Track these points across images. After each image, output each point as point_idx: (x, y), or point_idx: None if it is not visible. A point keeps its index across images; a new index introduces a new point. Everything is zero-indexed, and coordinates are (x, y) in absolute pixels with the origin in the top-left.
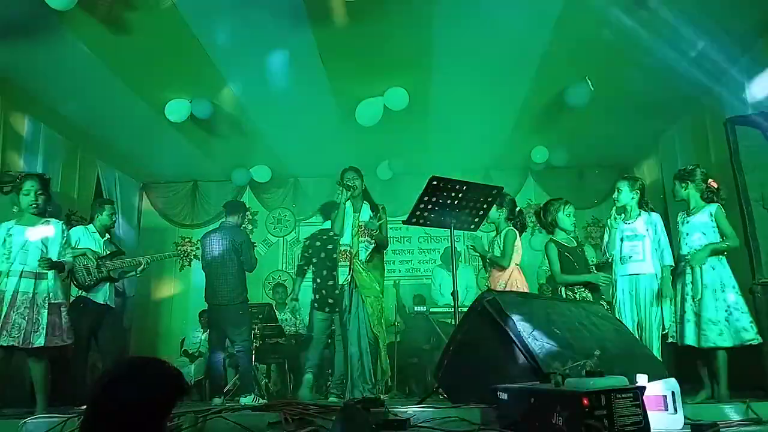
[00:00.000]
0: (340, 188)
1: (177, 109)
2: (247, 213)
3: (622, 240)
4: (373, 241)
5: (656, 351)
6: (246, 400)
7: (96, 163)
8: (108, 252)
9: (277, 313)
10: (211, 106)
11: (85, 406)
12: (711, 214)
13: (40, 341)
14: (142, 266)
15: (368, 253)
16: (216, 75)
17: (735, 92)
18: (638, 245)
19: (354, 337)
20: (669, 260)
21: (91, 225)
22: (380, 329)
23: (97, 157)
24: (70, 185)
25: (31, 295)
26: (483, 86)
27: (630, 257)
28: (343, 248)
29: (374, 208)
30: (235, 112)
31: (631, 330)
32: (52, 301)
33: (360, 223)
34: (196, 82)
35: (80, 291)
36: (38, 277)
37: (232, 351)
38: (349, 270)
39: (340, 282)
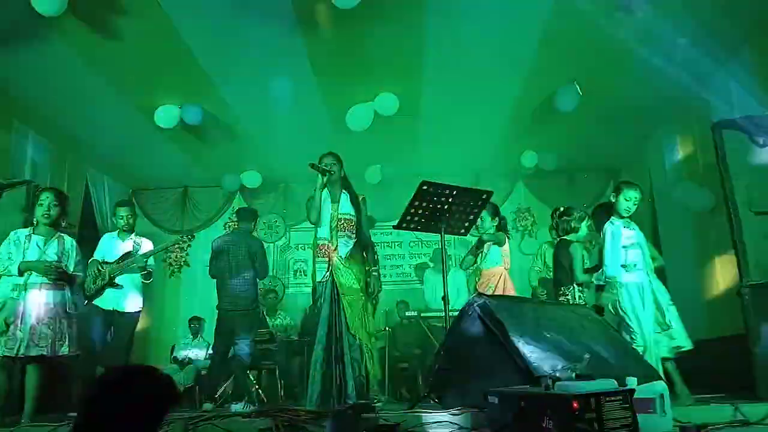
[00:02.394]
0: (317, 173)
1: (167, 115)
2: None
3: (625, 247)
4: (354, 236)
5: (666, 354)
6: (237, 407)
7: (85, 169)
8: (120, 256)
9: (268, 320)
10: (200, 112)
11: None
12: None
13: (64, 350)
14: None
15: (348, 249)
16: (206, 80)
17: (722, 96)
18: (639, 252)
19: (331, 340)
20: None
21: (114, 232)
22: (362, 332)
23: (86, 163)
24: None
25: (52, 306)
26: (473, 91)
27: (635, 265)
28: (320, 242)
29: (354, 198)
30: (225, 117)
31: (641, 335)
32: (71, 312)
33: (340, 217)
34: (186, 87)
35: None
36: (57, 287)
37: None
38: (328, 267)
39: (318, 279)
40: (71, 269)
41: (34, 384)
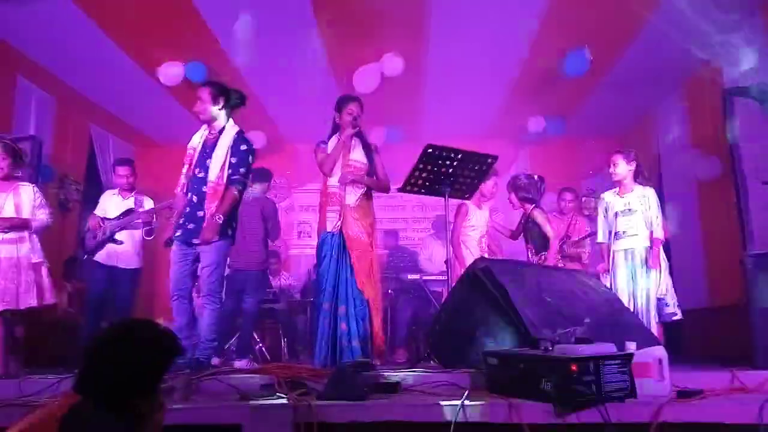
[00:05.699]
0: (341, 120)
1: (170, 72)
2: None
3: (616, 215)
4: (364, 188)
5: (652, 323)
6: (241, 364)
7: (88, 125)
8: (121, 213)
9: (271, 279)
10: (205, 70)
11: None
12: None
13: (31, 301)
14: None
15: (357, 197)
16: (210, 38)
17: (734, 63)
18: (632, 220)
19: (338, 296)
20: (659, 233)
21: (115, 189)
22: (370, 287)
23: (89, 119)
24: (63, 148)
25: (14, 258)
26: (479, 54)
27: (624, 232)
28: (330, 190)
29: (367, 146)
30: (230, 76)
31: (625, 302)
32: (34, 261)
33: (350, 163)
34: (190, 44)
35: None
36: (19, 241)
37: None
38: (339, 215)
39: (328, 229)
40: (28, 215)
41: (17, 337)
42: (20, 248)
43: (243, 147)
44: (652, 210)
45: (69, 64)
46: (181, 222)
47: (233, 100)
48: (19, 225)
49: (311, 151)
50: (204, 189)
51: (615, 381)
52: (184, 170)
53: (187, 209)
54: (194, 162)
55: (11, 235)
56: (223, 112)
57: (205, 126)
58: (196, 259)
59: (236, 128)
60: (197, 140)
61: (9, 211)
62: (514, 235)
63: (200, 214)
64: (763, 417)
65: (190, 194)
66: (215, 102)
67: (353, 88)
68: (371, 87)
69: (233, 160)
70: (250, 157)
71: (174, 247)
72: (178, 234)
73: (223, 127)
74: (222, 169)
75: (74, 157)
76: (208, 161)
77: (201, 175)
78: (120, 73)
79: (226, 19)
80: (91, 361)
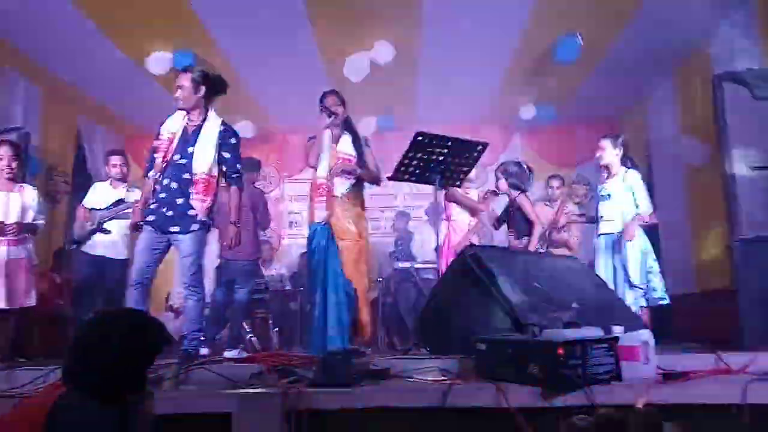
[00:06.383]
0: (320, 113)
1: (159, 61)
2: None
3: (597, 201)
4: (353, 179)
5: (629, 301)
6: (232, 354)
7: (76, 117)
8: (112, 203)
9: (263, 269)
10: (193, 59)
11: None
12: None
13: (30, 302)
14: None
15: (346, 189)
16: (199, 26)
17: (725, 48)
18: (609, 205)
19: (327, 285)
20: (645, 209)
21: (107, 181)
22: (357, 275)
23: (77, 110)
24: (50, 140)
25: (16, 259)
26: (470, 41)
27: (602, 217)
28: (319, 182)
29: (356, 138)
30: (219, 65)
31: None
32: (34, 263)
33: (339, 156)
34: (179, 33)
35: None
36: (18, 242)
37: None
38: (327, 207)
39: (316, 221)
40: (31, 218)
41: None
42: (25, 250)
43: (233, 140)
44: (637, 191)
45: (56, 55)
46: (153, 207)
47: (215, 87)
48: (31, 229)
49: (301, 140)
50: (185, 176)
51: (601, 364)
52: (159, 155)
53: (163, 195)
54: (173, 148)
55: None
56: (203, 100)
57: (183, 112)
58: (167, 249)
59: (219, 119)
60: (175, 126)
61: (15, 211)
62: (496, 225)
63: (180, 201)
64: (746, 398)
65: (168, 180)
66: (197, 89)
67: (344, 76)
68: (361, 75)
69: (226, 155)
70: (240, 149)
71: (144, 234)
72: (151, 219)
73: (206, 116)
74: (212, 162)
75: (62, 149)
76: (190, 149)
77: (182, 162)
78: (108, 63)
79: (215, 8)
80: (78, 351)
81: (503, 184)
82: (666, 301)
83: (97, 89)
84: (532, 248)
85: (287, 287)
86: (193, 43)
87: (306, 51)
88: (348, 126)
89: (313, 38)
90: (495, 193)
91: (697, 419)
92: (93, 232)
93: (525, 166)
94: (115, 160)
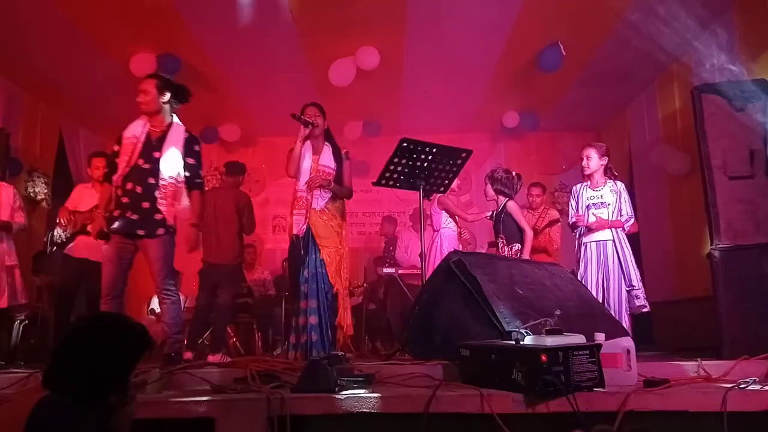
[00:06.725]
0: (300, 126)
1: (142, 64)
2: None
3: (588, 207)
4: (330, 191)
5: (624, 313)
6: (214, 359)
7: (58, 118)
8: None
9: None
10: (177, 62)
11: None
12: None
13: (2, 304)
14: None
15: (324, 201)
16: (184, 30)
17: (705, 60)
18: (603, 213)
19: (309, 292)
20: (626, 217)
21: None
22: (339, 281)
23: (60, 112)
24: (31, 141)
25: None
26: (455, 49)
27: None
28: (299, 194)
29: (336, 151)
30: (204, 69)
31: (595, 294)
32: (8, 264)
33: (319, 168)
34: (164, 36)
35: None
36: None
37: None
38: (305, 218)
39: (294, 231)
40: (7, 216)
41: None
42: None
43: (196, 147)
44: (624, 204)
45: (38, 56)
46: (117, 213)
47: (178, 94)
48: (1, 227)
49: (287, 144)
50: (150, 180)
51: (584, 371)
52: (123, 160)
53: (126, 199)
54: (137, 153)
55: None
56: (168, 106)
57: (145, 118)
58: (134, 254)
59: (182, 126)
60: (138, 130)
61: None
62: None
63: (145, 205)
64: (725, 405)
65: (132, 184)
66: (161, 95)
67: (329, 81)
68: (347, 81)
69: (191, 162)
70: (201, 156)
71: (110, 244)
72: (117, 225)
73: (170, 123)
74: (179, 168)
75: (43, 150)
76: (155, 153)
77: (146, 166)
78: (91, 65)
79: (200, 13)
80: (60, 355)
81: (490, 189)
82: (647, 309)
83: (80, 91)
84: (525, 255)
85: (271, 292)
86: (177, 46)
87: (292, 56)
88: (329, 138)
89: (298, 43)
90: (490, 218)
91: (677, 426)
92: (75, 234)
93: (513, 174)
94: (98, 162)
